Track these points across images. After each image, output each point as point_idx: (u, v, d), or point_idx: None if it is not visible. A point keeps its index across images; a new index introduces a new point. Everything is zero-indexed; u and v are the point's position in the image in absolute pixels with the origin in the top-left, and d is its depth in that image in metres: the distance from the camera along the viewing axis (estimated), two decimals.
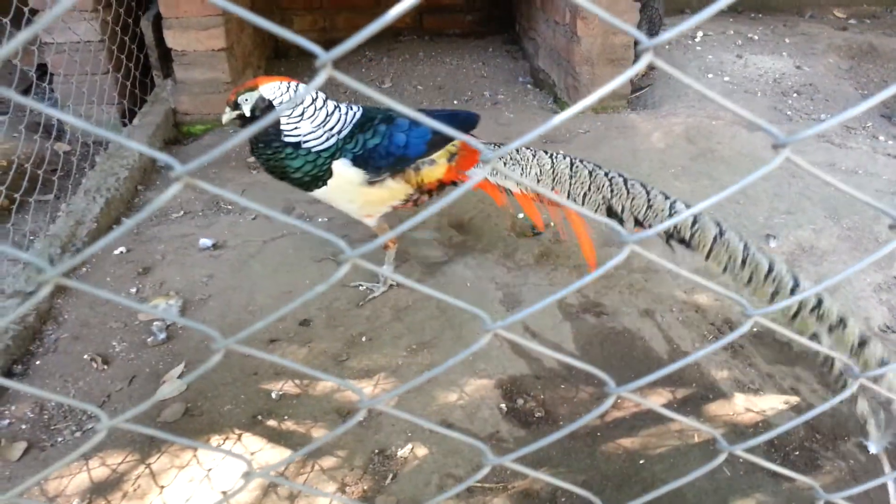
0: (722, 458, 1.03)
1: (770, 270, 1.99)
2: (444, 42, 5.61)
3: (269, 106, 2.31)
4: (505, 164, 2.54)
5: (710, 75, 4.62)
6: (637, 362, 2.39)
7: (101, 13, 3.70)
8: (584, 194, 2.45)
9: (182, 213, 3.28)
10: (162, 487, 1.95)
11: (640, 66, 0.71)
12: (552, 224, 2.95)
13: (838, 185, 0.84)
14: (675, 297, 2.65)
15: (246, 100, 2.33)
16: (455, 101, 4.60)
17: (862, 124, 4.06)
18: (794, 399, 2.28)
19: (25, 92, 3.79)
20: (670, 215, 2.27)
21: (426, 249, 2.97)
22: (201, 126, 4.12)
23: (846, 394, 1.07)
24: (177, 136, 4.06)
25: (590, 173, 2.46)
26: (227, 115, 2.37)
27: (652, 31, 4.52)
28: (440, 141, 2.47)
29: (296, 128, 2.32)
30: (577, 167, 2.48)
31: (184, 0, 3.76)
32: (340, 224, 3.14)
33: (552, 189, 2.48)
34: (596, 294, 2.67)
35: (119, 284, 2.79)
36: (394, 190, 2.46)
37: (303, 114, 2.31)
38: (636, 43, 4.07)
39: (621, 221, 2.39)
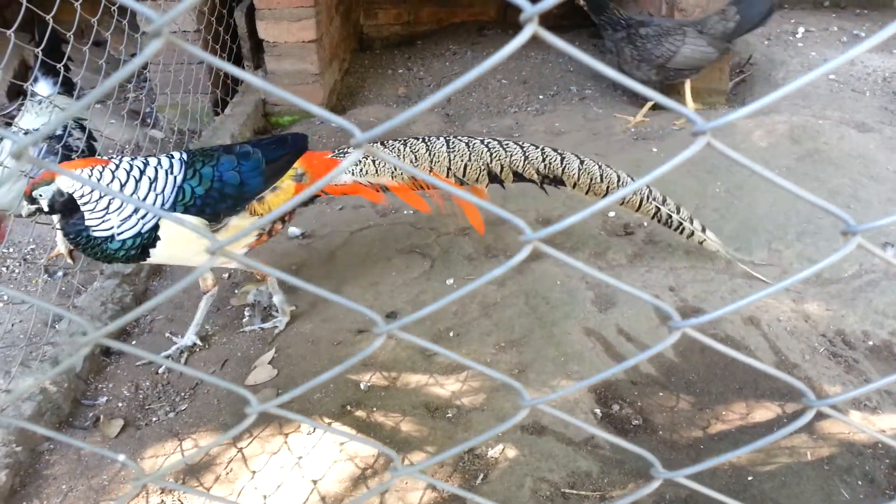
0: None
1: (619, 178, 2.55)
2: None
3: (70, 199, 2.01)
4: (374, 161, 2.41)
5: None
6: (741, 373, 2.26)
7: (197, 3, 3.77)
8: (465, 165, 2.48)
9: None
10: (253, 472, 1.95)
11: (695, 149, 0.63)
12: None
13: None
14: (783, 304, 2.50)
15: (41, 195, 2.01)
16: (540, 96, 4.50)
17: None
18: None
19: (126, 80, 3.91)
20: (543, 160, 2.50)
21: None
22: (289, 117, 4.16)
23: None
24: (265, 125, 4.11)
25: (467, 145, 2.49)
26: (26, 209, 2.06)
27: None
28: (278, 169, 2.28)
29: (103, 221, 2.04)
30: (453, 143, 2.50)
31: None
32: (426, 217, 3.10)
33: (430, 171, 2.44)
34: (695, 299, 2.54)
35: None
36: (241, 229, 2.24)
37: (108, 206, 2.03)
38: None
39: (501, 182, 2.54)
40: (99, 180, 2.04)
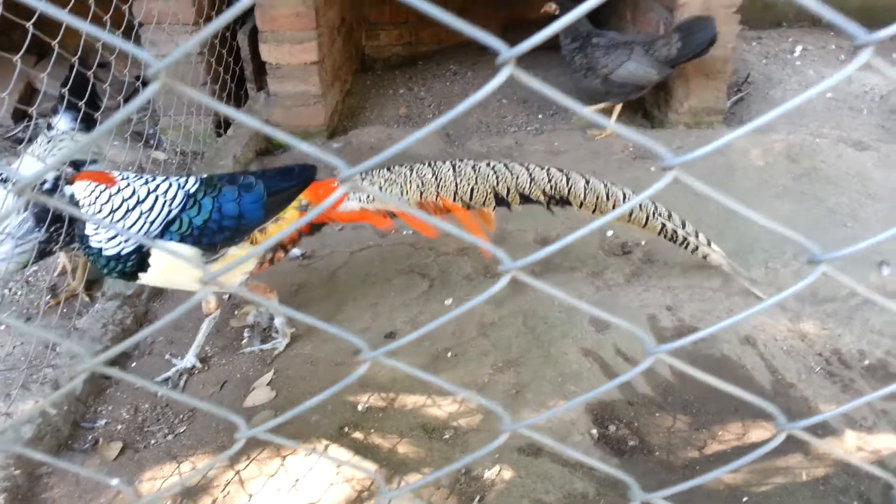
0: None
1: (625, 195, 2.55)
2: (528, 56, 5.38)
3: (77, 205, 2.10)
4: (381, 186, 2.40)
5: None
6: None
7: (201, 27, 3.83)
8: (472, 189, 2.47)
9: None
10: (250, 495, 1.96)
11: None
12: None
13: None
14: (779, 324, 2.50)
15: (63, 193, 2.12)
16: (540, 116, 4.54)
17: None
18: None
19: (127, 100, 3.97)
20: (549, 181, 2.50)
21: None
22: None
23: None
24: (268, 147, 4.15)
25: (473, 168, 2.48)
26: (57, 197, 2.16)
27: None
28: (281, 201, 2.28)
29: (96, 234, 2.11)
30: (459, 167, 2.49)
31: (280, 14, 3.86)
32: (426, 238, 3.12)
33: (437, 196, 2.43)
34: (692, 318, 2.55)
35: None
36: (240, 258, 2.24)
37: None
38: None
39: (508, 205, 2.53)
40: (97, 199, 2.11)
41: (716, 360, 2.39)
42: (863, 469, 1.88)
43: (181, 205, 2.14)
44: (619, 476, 0.90)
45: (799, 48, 5.12)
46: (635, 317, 2.61)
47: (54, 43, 2.50)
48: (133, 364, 2.53)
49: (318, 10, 3.93)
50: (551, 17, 5.61)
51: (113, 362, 2.53)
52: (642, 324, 2.55)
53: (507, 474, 2.00)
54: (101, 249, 2.12)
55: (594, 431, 2.15)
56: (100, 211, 2.09)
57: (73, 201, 2.11)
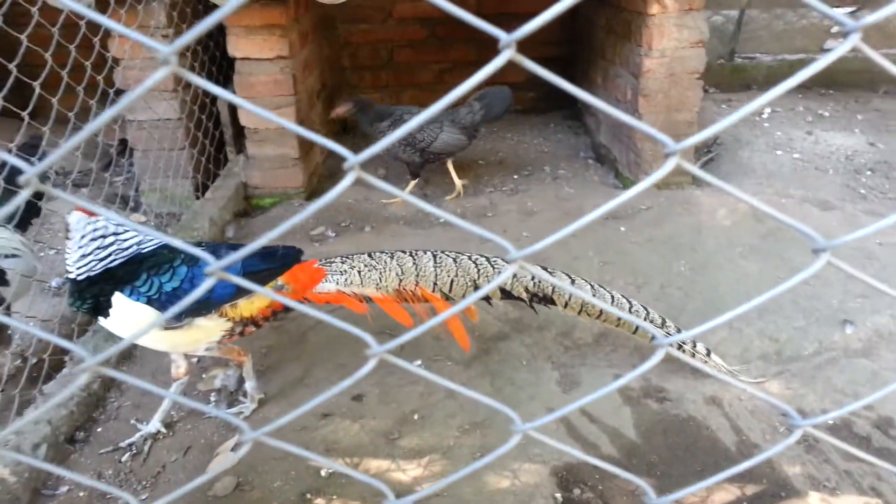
0: None
1: (613, 298, 2.48)
2: (505, 118, 5.67)
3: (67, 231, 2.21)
4: (360, 271, 2.41)
5: (779, 152, 4.53)
6: (703, 454, 2.26)
7: (180, 93, 3.93)
8: (452, 281, 2.44)
9: None
10: None
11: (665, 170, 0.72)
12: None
13: (877, 285, 0.81)
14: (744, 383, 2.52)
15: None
16: (515, 176, 4.63)
17: None
18: (874, 501, 2.10)
19: (106, 167, 4.03)
20: (532, 278, 2.46)
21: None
22: (269, 199, 4.26)
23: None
24: (246, 208, 4.21)
25: (454, 260, 2.47)
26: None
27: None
28: (257, 281, 2.19)
29: (68, 257, 2.19)
30: (440, 258, 2.47)
31: (258, 81, 3.97)
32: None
33: (416, 285, 2.42)
34: (658, 378, 2.57)
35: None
36: (207, 328, 2.26)
37: (72, 248, 2.18)
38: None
39: (488, 299, 2.56)
40: (81, 227, 2.16)
41: (681, 421, 2.40)
42: None
43: (126, 259, 2.18)
44: None
45: (768, 110, 5.28)
46: (602, 376, 2.62)
47: (24, 114, 2.56)
48: (99, 429, 2.51)
49: (295, 76, 4.04)
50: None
51: (79, 427, 2.51)
52: (607, 383, 2.56)
53: None
54: (68, 271, 2.18)
55: (558, 495, 2.13)
56: (76, 234, 2.16)
57: (67, 228, 2.19)
